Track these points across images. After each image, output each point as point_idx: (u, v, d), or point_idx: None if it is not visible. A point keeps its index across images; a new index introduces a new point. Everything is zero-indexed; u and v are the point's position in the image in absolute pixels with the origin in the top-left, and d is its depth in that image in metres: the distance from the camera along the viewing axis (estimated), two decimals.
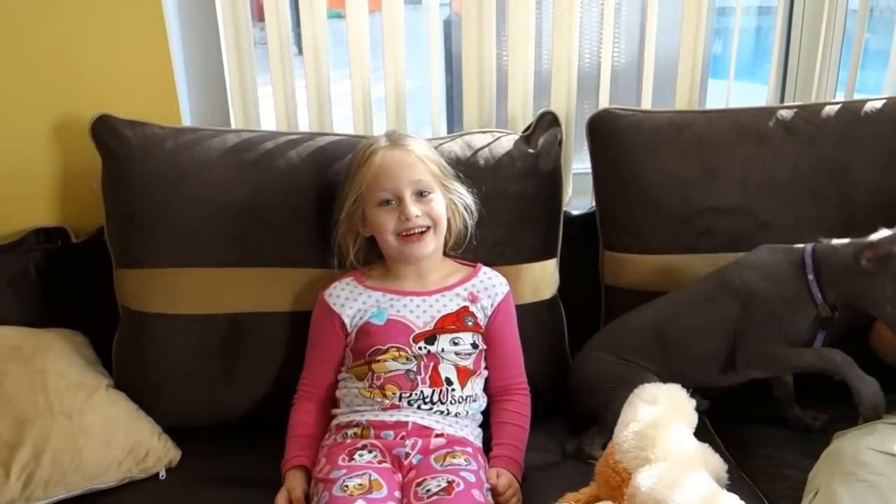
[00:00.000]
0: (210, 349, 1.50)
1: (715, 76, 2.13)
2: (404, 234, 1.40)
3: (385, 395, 1.36)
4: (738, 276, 1.42)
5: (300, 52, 1.70)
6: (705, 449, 1.30)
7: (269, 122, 1.74)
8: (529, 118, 1.69)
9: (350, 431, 1.35)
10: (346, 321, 1.42)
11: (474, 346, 1.41)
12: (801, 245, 1.40)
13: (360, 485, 1.24)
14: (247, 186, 1.49)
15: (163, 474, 1.42)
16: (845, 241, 1.37)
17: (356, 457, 1.30)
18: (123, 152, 1.48)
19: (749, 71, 2.62)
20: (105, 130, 1.49)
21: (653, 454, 1.20)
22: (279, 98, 1.71)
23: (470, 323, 1.42)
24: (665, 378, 1.35)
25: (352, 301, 1.43)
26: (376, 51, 1.70)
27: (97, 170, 1.52)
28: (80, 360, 1.49)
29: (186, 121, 1.68)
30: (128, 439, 1.40)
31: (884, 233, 1.33)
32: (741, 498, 1.12)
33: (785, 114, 1.58)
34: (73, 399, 1.39)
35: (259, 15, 1.69)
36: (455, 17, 2.32)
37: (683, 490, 1.12)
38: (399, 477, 1.30)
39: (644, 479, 1.16)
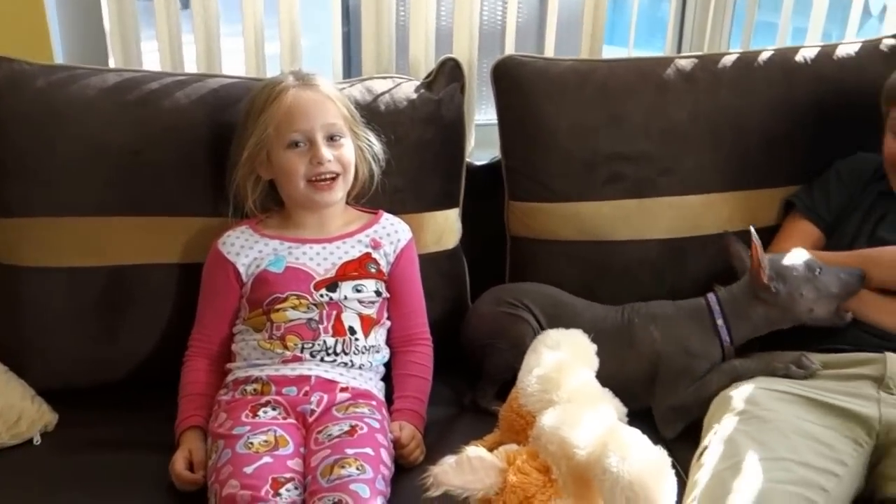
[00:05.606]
0: (90, 304, 1.41)
1: (609, 43, 2.16)
2: (315, 179, 1.33)
3: (286, 347, 1.30)
4: (646, 334, 1.41)
5: (186, 6, 1.61)
6: (606, 393, 1.30)
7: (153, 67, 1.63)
8: (432, 66, 1.64)
9: (249, 388, 1.29)
10: (242, 270, 1.35)
11: (378, 293, 1.37)
12: (700, 297, 1.42)
13: (266, 441, 1.19)
14: (129, 129, 1.39)
15: (37, 439, 1.33)
16: (732, 286, 1.42)
17: (260, 413, 1.25)
18: None
19: (643, 40, 2.67)
20: None
21: (556, 396, 1.20)
22: (164, 49, 1.60)
23: (373, 270, 1.38)
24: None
25: (247, 249, 1.36)
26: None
27: None
28: None
29: (59, 59, 1.56)
30: None
31: (762, 257, 1.36)
32: None
33: (684, 63, 1.59)
34: None
35: None
36: None
37: (586, 427, 1.11)
38: (304, 432, 1.25)
39: (548, 420, 1.14)
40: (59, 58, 1.57)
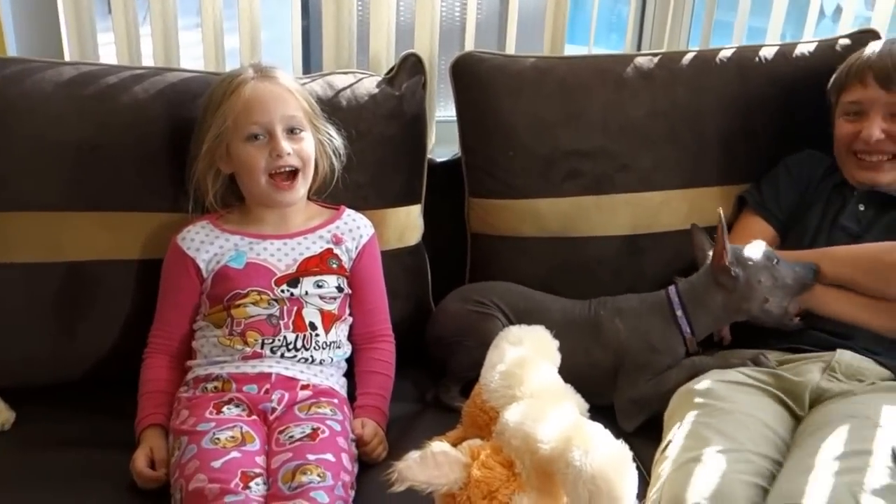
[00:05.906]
0: (48, 301, 1.38)
1: (571, 41, 2.19)
2: (275, 173, 1.33)
3: (246, 343, 1.30)
4: (612, 326, 1.43)
5: None
6: (568, 388, 1.32)
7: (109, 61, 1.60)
8: (392, 62, 1.65)
9: (210, 385, 1.28)
10: (202, 266, 1.34)
11: (339, 289, 1.37)
12: (662, 290, 1.45)
13: (233, 437, 1.19)
14: (87, 124, 1.37)
15: None
16: (692, 276, 1.44)
17: (224, 410, 1.24)
18: None
19: (604, 39, 2.69)
20: None
21: (520, 392, 1.21)
22: (121, 42, 1.57)
23: (334, 265, 1.38)
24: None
25: (207, 245, 1.35)
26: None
27: None
28: None
29: (12, 52, 1.52)
30: None
31: (726, 240, 1.39)
32: None
33: (642, 61, 1.62)
34: None
35: None
36: None
37: (550, 422, 1.13)
38: (266, 429, 1.25)
39: (512, 415, 1.16)
40: (12, 50, 1.53)
